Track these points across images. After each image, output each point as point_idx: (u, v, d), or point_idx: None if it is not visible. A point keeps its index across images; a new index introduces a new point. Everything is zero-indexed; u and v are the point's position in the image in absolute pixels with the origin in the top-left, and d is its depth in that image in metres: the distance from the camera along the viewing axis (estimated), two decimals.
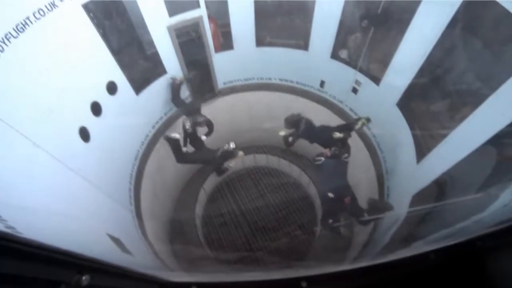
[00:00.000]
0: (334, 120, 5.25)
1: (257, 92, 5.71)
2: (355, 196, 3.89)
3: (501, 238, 1.18)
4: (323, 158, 3.92)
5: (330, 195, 3.77)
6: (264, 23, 4.91)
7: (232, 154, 4.60)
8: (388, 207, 3.82)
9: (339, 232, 4.22)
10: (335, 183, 3.85)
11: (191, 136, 4.78)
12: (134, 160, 4.50)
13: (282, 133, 4.47)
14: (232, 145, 4.53)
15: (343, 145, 4.31)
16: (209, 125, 4.86)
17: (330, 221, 3.90)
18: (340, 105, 5.14)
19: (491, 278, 1.11)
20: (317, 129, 4.39)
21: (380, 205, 3.94)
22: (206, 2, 4.29)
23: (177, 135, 4.66)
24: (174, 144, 4.64)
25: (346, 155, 3.97)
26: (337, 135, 4.21)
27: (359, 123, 4.26)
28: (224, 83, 5.53)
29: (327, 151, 4.01)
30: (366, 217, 3.79)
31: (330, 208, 3.96)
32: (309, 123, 4.31)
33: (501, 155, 2.79)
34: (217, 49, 4.98)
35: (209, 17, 4.52)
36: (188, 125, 4.62)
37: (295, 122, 4.29)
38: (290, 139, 4.45)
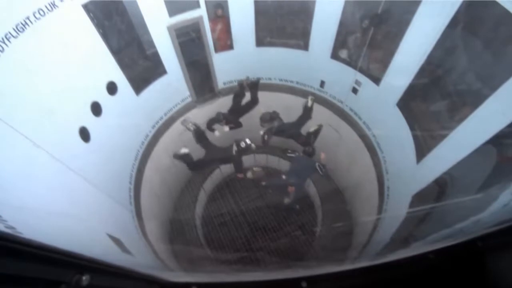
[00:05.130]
0: (334, 120, 5.26)
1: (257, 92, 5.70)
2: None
3: (501, 238, 1.18)
4: (296, 154, 4.69)
5: (284, 176, 4.65)
6: (264, 23, 4.91)
7: (249, 149, 4.83)
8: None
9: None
10: (296, 177, 4.62)
11: (199, 135, 4.90)
12: (134, 160, 4.50)
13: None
14: (248, 141, 4.75)
15: (316, 136, 5.13)
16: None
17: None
18: (340, 105, 5.14)
19: (492, 278, 1.11)
20: (287, 126, 5.03)
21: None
22: (206, 2, 4.29)
23: (186, 150, 4.81)
24: (185, 158, 4.81)
25: (322, 166, 4.50)
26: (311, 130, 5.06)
27: (309, 101, 4.93)
28: (224, 83, 5.53)
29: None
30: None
31: (276, 184, 4.99)
32: (281, 122, 4.91)
33: (501, 156, 2.79)
34: (223, 49, 5.00)
35: (221, 16, 4.59)
36: (191, 126, 4.72)
37: (270, 120, 4.85)
38: (266, 137, 4.98)
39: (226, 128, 5.16)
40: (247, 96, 5.40)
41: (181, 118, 5.07)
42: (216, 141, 5.16)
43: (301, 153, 4.62)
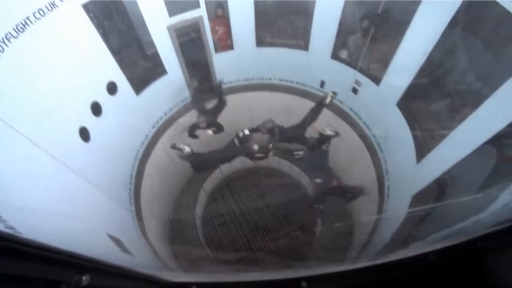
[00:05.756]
0: (334, 120, 5.26)
1: (257, 92, 5.70)
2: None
3: (501, 238, 1.18)
4: (301, 152, 4.35)
5: (318, 181, 4.28)
6: (264, 23, 4.90)
7: (248, 139, 4.64)
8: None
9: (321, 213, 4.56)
10: (319, 170, 4.34)
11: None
12: (134, 160, 4.50)
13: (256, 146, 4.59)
14: (246, 131, 4.60)
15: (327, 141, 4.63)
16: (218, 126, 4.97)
17: (318, 206, 4.32)
18: (340, 105, 5.13)
19: (492, 278, 1.11)
20: (290, 130, 4.65)
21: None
22: (206, 2, 4.29)
23: (188, 149, 4.57)
24: (189, 158, 4.61)
25: (326, 144, 4.27)
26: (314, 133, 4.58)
27: (328, 97, 4.56)
28: (224, 83, 5.53)
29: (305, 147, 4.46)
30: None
31: (320, 192, 4.38)
32: (281, 129, 4.57)
33: (501, 156, 2.79)
34: (223, 49, 5.00)
35: (221, 16, 4.59)
36: (184, 147, 4.56)
37: (270, 130, 4.52)
38: (271, 146, 4.57)
39: (210, 132, 4.97)
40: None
41: (171, 143, 4.75)
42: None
43: (301, 151, 4.45)
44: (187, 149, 4.51)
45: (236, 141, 4.67)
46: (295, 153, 4.47)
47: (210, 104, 5.17)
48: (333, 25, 4.21)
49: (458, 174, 3.18)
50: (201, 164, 4.79)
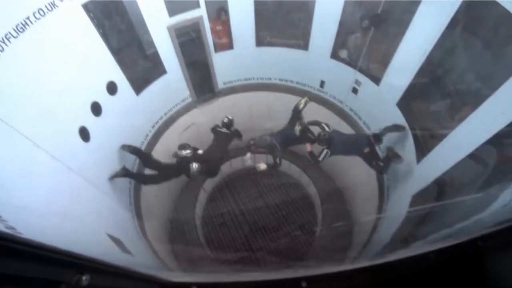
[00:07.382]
0: (334, 120, 5.26)
1: (257, 92, 5.70)
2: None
3: (501, 238, 1.18)
4: (326, 151, 4.01)
5: (366, 150, 4.10)
6: (264, 23, 4.91)
7: (231, 122, 4.65)
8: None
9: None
10: (353, 145, 4.21)
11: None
12: (134, 160, 4.50)
13: (263, 166, 4.38)
14: (230, 117, 4.59)
15: (308, 130, 4.35)
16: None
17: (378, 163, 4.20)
18: (340, 105, 5.14)
19: (492, 278, 1.11)
20: (283, 137, 4.36)
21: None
22: (206, 2, 4.29)
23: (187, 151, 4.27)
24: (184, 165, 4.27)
25: (323, 125, 4.12)
26: (297, 128, 4.22)
27: (302, 103, 4.29)
28: (224, 83, 5.53)
29: (308, 146, 4.25)
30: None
31: (373, 155, 4.20)
32: (278, 138, 4.28)
33: (501, 156, 2.79)
34: (223, 49, 5.00)
35: (225, 20, 4.61)
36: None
37: (270, 146, 4.25)
38: (277, 159, 4.26)
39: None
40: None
41: (173, 152, 4.45)
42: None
43: (323, 147, 4.05)
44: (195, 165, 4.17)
45: (222, 129, 4.58)
46: (320, 158, 4.05)
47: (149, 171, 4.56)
48: (333, 24, 4.22)
49: (458, 174, 3.18)
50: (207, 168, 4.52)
